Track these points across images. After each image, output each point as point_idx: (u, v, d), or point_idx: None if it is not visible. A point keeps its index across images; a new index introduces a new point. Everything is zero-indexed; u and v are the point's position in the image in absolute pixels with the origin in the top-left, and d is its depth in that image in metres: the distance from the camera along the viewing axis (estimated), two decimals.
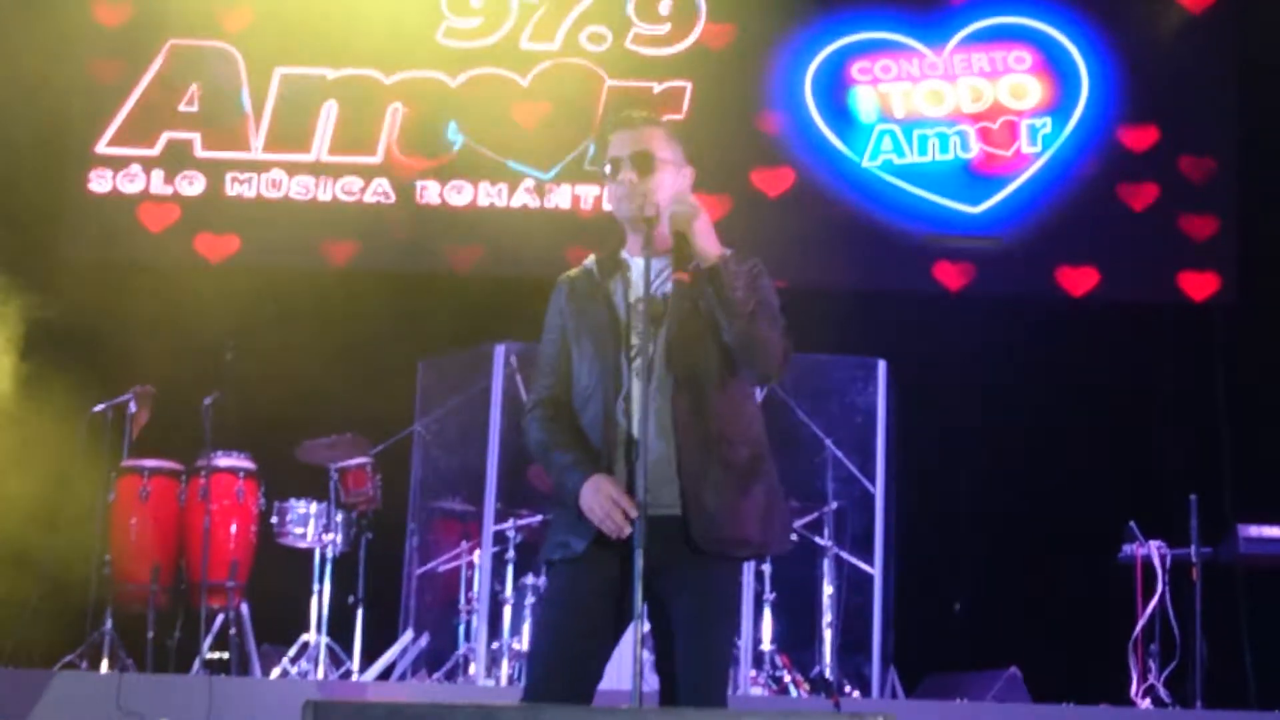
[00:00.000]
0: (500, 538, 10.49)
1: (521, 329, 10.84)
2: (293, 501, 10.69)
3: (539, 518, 10.63)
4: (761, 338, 5.28)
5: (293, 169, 12.08)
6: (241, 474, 10.64)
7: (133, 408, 10.71)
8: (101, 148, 12.12)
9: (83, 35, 12.04)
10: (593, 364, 5.39)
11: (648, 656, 9.49)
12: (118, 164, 12.09)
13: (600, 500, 5.21)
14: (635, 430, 5.25)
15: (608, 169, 5.48)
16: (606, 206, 5.58)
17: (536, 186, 12.07)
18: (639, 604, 5.00)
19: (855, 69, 12.34)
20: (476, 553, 10.58)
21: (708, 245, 5.30)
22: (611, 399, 5.33)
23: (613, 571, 5.27)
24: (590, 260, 5.57)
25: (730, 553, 5.27)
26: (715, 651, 5.25)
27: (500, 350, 10.51)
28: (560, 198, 12.08)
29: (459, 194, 12.04)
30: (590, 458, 5.32)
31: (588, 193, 12.05)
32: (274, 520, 10.70)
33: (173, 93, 12.13)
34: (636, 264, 5.43)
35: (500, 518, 10.51)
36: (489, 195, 12.04)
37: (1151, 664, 10.07)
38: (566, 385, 5.46)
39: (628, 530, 5.18)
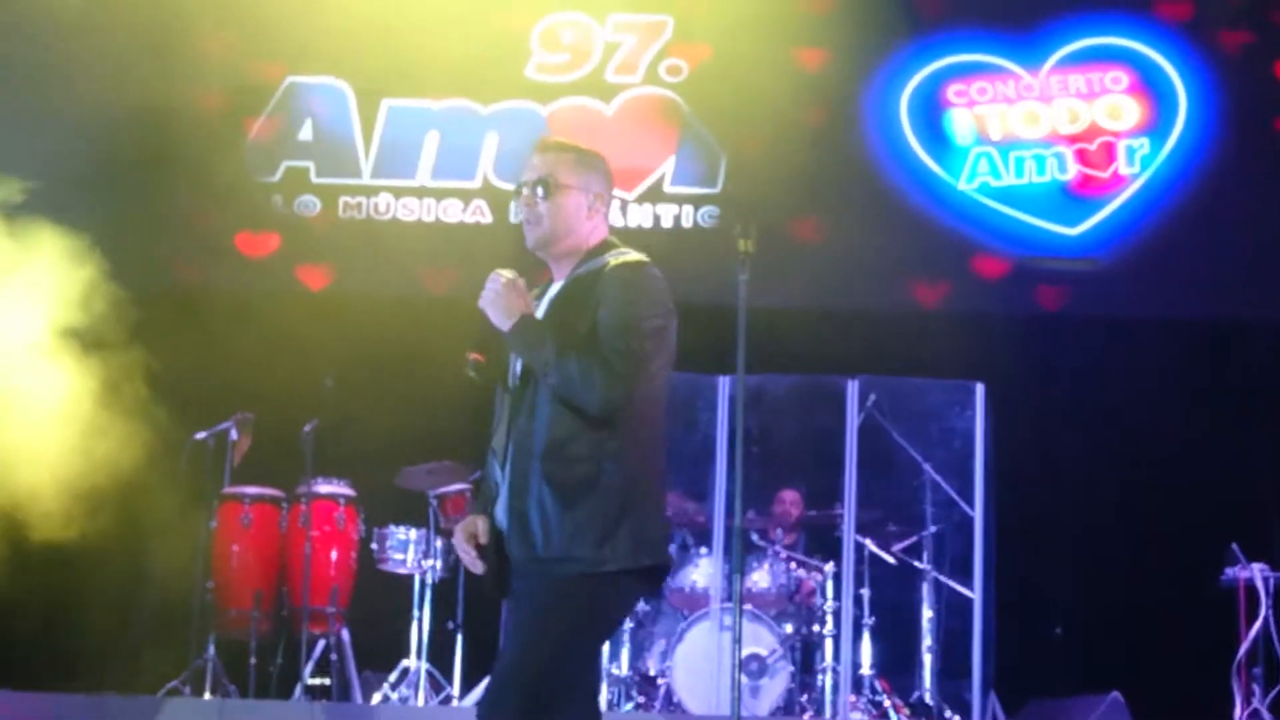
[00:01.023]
0: None
1: None
2: (392, 528, 10.74)
3: None
4: (565, 390, 5.19)
5: (399, 193, 12.35)
6: (342, 500, 10.71)
7: (234, 435, 10.78)
8: (231, 175, 12.42)
9: (200, 70, 12.27)
10: (501, 391, 5.48)
11: (746, 682, 9.49)
12: (246, 190, 12.44)
13: (456, 545, 5.37)
14: (505, 455, 5.33)
15: (522, 190, 5.48)
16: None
17: (621, 206, 12.22)
18: (739, 627, 4.99)
19: (951, 91, 12.33)
20: None
21: (499, 322, 5.28)
22: (501, 425, 5.41)
23: (512, 595, 5.31)
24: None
25: (554, 571, 5.13)
26: (528, 655, 5.06)
27: None
28: (643, 216, 12.32)
29: None
30: (486, 492, 5.44)
31: (667, 211, 12.21)
32: (374, 546, 10.76)
33: (290, 124, 12.52)
34: (549, 289, 5.52)
35: None
36: None
37: (1255, 688, 9.97)
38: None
39: (479, 568, 5.28)
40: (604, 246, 5.48)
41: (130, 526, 10.11)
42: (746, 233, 5.93)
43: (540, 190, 5.42)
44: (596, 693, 5.55)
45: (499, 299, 5.29)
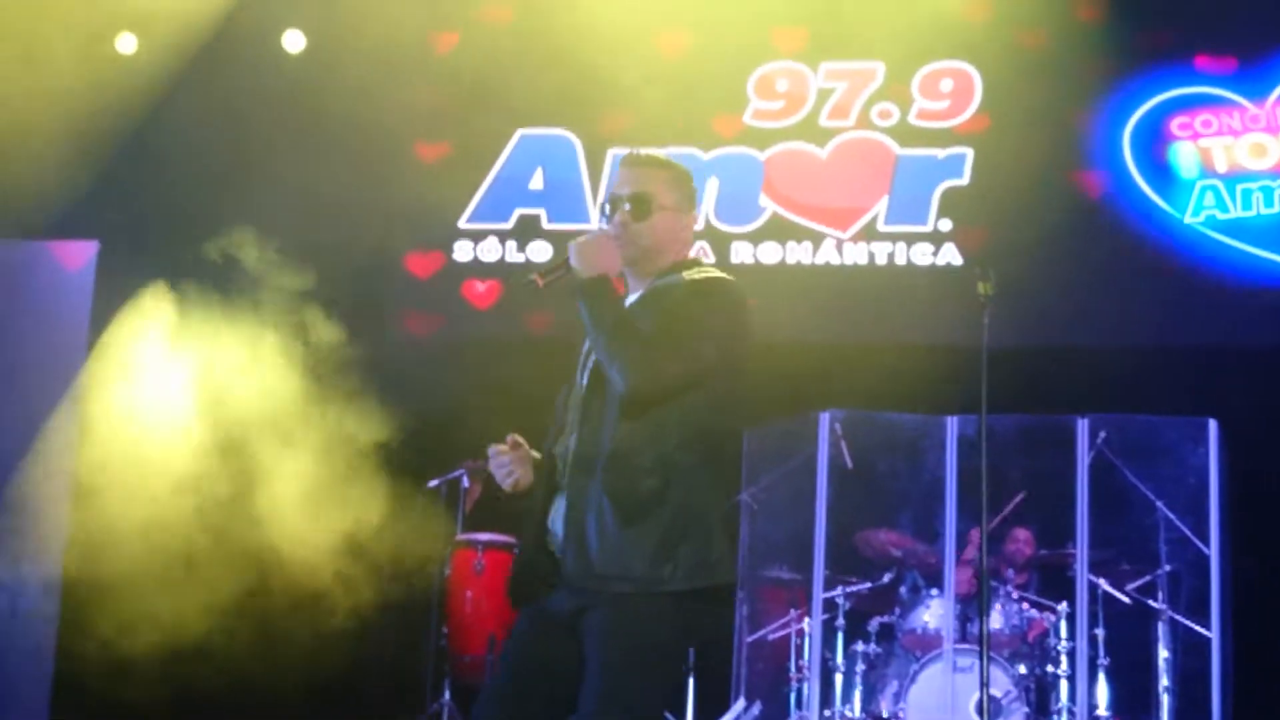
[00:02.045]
0: (829, 605, 10.47)
1: (846, 395, 10.90)
2: None
3: (868, 585, 10.64)
4: (611, 357, 5.06)
5: None
6: None
7: (465, 483, 10.96)
8: (463, 223, 12.80)
9: (430, 123, 12.54)
10: (565, 401, 5.39)
11: None
12: (478, 236, 12.71)
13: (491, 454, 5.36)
14: (562, 468, 5.20)
15: (606, 206, 5.36)
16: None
17: (837, 245, 12.35)
18: (985, 670, 4.97)
19: (1175, 125, 12.21)
20: (806, 620, 10.59)
21: (580, 265, 5.17)
22: (561, 434, 5.30)
23: (544, 613, 5.13)
24: None
25: (612, 589, 4.98)
26: (609, 700, 4.93)
27: (825, 417, 10.53)
28: (858, 255, 12.42)
29: (769, 255, 12.29)
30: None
31: (881, 250, 12.35)
32: None
33: (522, 174, 12.81)
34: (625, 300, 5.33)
35: (829, 585, 10.47)
36: (795, 254, 12.25)
37: None
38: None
39: (506, 476, 5.31)
40: (688, 264, 5.37)
41: (366, 574, 10.30)
42: (985, 275, 5.85)
43: (633, 207, 5.29)
44: None
45: (589, 245, 5.18)
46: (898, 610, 10.61)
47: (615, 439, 5.07)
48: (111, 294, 11.84)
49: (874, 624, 10.60)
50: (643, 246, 5.31)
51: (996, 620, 10.43)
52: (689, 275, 5.30)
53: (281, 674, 10.68)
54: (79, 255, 12.14)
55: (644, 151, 5.50)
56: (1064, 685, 10.28)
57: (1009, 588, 10.61)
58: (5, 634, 11.43)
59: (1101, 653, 10.39)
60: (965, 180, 12.37)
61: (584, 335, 5.39)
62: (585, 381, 5.26)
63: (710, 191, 12.47)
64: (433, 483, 10.89)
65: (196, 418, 10.72)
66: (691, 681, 10.72)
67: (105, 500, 10.92)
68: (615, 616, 4.97)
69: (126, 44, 12.59)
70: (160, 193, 12.36)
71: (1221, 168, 12.09)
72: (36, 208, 12.12)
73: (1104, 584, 10.52)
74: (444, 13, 12.71)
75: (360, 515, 10.39)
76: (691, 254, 5.44)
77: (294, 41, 12.70)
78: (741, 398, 5.34)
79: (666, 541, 5.02)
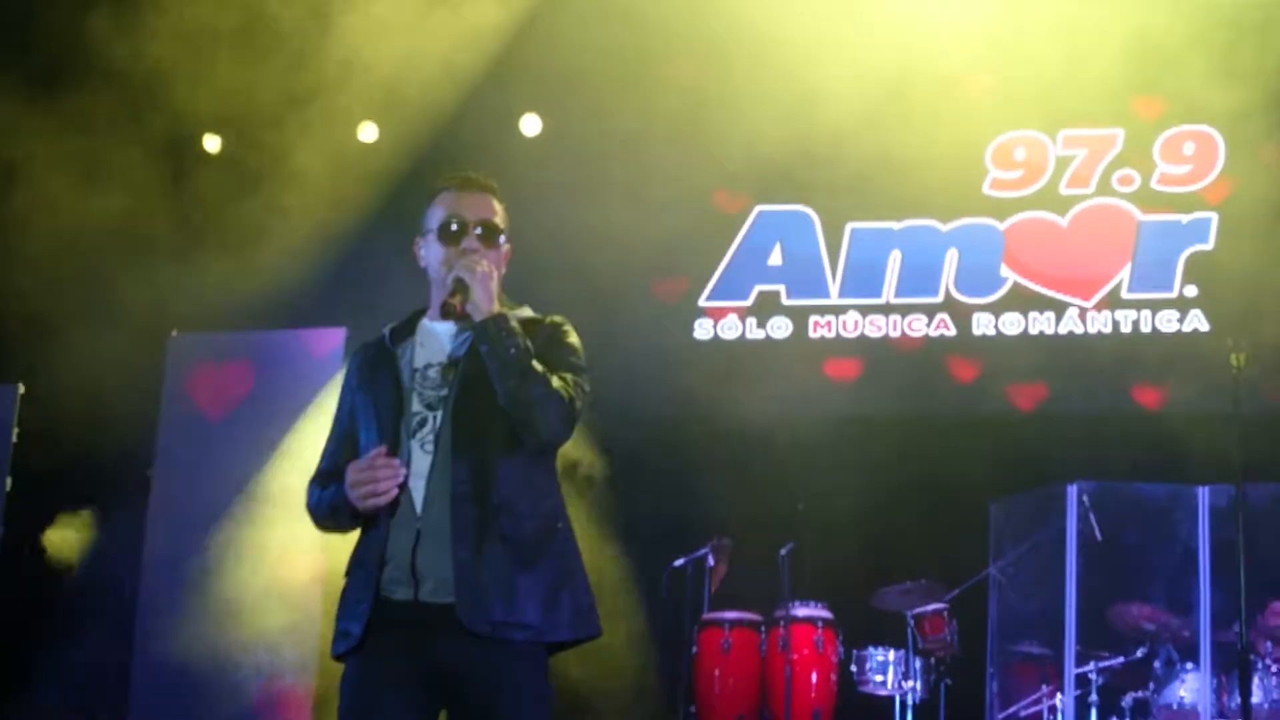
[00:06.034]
0: (1082, 680, 10.33)
1: (1093, 466, 10.77)
2: (871, 649, 10.78)
3: (1121, 659, 10.45)
4: (531, 400, 4.77)
5: (866, 310, 12.55)
6: (820, 623, 10.77)
7: (711, 561, 10.98)
8: (703, 301, 12.84)
9: (667, 202, 12.56)
10: (374, 435, 4.97)
11: None
12: (717, 314, 12.78)
13: (361, 467, 4.81)
14: (418, 506, 4.83)
15: (451, 227, 5.07)
16: (422, 263, 5.21)
17: (1080, 314, 12.19)
18: None
19: None
20: (1058, 696, 10.45)
21: (482, 299, 4.87)
22: (406, 465, 4.88)
23: (402, 663, 4.78)
24: (386, 327, 5.16)
25: (507, 636, 4.68)
26: None
27: (1073, 489, 10.44)
28: (1101, 323, 12.23)
29: (1011, 325, 12.18)
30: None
31: (1125, 318, 12.18)
32: (853, 668, 10.80)
33: (761, 251, 12.81)
34: (437, 329, 5.08)
35: (1081, 660, 10.35)
36: (1038, 324, 12.13)
37: None
38: (353, 457, 4.98)
39: (400, 478, 4.78)
40: (509, 301, 5.08)
41: (610, 652, 10.33)
42: (1238, 345, 5.70)
43: (495, 234, 5.07)
44: None
45: (490, 281, 4.93)
46: (1152, 685, 10.39)
47: (500, 478, 4.83)
48: None
49: (1128, 699, 10.40)
50: (497, 279, 5.01)
51: (1256, 694, 10.18)
52: (531, 314, 5.09)
53: None
54: (327, 342, 12.33)
55: (488, 177, 5.20)
56: None
57: (1267, 661, 10.34)
58: None
59: None
60: (1211, 245, 12.16)
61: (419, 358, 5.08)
62: (446, 411, 4.92)
63: (950, 263, 12.41)
64: (678, 562, 10.91)
65: None
66: None
67: None
68: (516, 668, 4.76)
69: (368, 133, 12.86)
70: (405, 277, 12.50)
71: None
72: (285, 298, 12.35)
73: None
74: (678, 92, 12.73)
75: (602, 592, 10.42)
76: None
77: (531, 125, 12.87)
78: None
79: (551, 588, 4.79)
